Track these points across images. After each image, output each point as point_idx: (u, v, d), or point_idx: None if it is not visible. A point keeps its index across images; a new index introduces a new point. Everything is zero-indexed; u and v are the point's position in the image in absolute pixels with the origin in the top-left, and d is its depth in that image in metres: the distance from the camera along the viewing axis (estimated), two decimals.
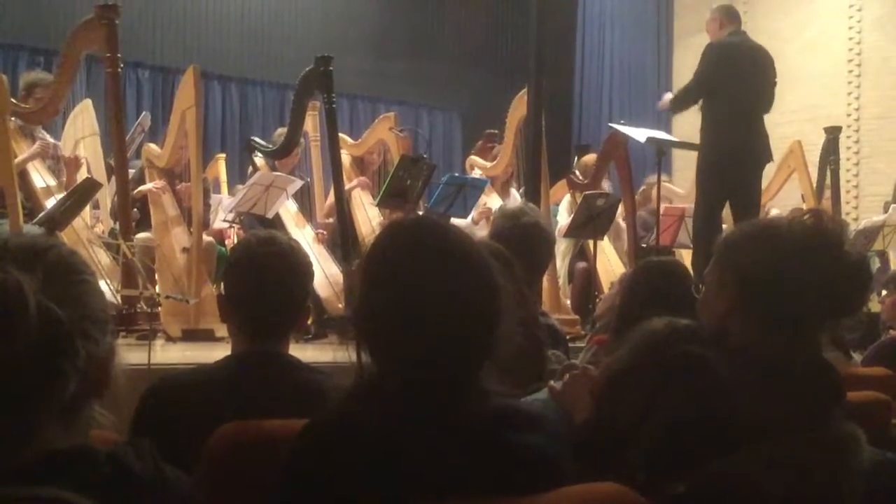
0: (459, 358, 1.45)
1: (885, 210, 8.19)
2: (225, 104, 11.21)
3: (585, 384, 1.99)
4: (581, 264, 7.24)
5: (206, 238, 6.14)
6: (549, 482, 1.41)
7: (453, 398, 1.43)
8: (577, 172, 7.44)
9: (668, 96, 6.92)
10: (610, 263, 7.35)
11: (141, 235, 5.87)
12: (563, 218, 7.25)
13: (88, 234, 5.83)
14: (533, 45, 6.47)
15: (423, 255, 1.47)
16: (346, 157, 6.68)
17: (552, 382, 2.10)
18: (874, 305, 5.63)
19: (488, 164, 7.42)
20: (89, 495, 1.03)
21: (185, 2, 10.69)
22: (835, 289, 1.73)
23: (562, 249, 7.14)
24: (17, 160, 5.50)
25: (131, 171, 6.09)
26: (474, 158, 7.75)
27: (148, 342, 4.09)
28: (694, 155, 6.78)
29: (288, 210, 6.46)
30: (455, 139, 12.63)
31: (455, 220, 6.20)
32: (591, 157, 7.47)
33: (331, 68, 5.78)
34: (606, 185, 7.58)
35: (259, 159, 6.60)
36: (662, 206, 7.02)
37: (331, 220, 6.47)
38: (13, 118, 5.56)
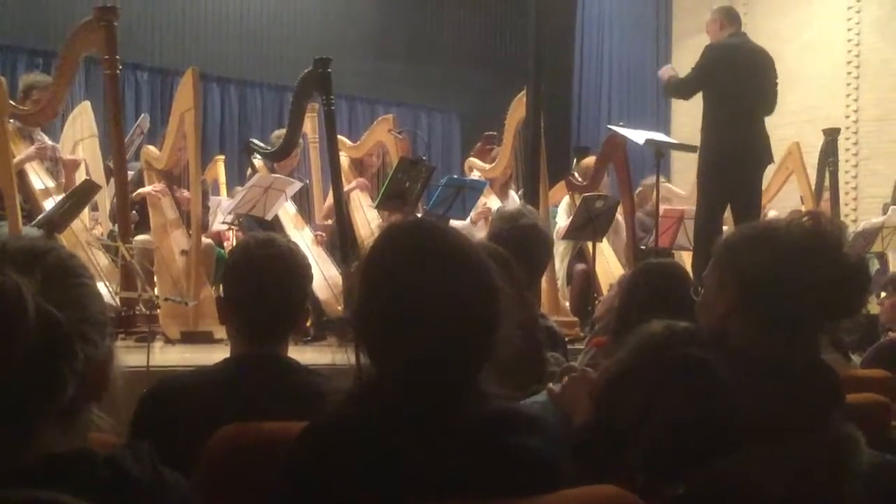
0: (458, 360, 1.45)
1: (884, 212, 8.18)
2: (224, 106, 11.22)
3: (584, 386, 1.99)
4: (580, 266, 7.23)
5: (205, 240, 6.14)
6: (548, 484, 1.41)
7: (452, 400, 1.43)
8: (577, 174, 7.44)
9: (670, 70, 6.87)
10: (609, 265, 7.35)
11: (140, 237, 5.87)
12: (562, 220, 7.25)
13: (87, 236, 5.82)
14: (532, 47, 6.48)
15: (422, 257, 1.47)
16: (344, 159, 6.68)
17: (551, 385, 2.10)
18: (873, 307, 5.62)
19: (487, 166, 7.42)
20: (88, 498, 1.03)
21: (183, 3, 10.70)
22: (834, 291, 1.73)
23: (560, 251, 7.14)
24: (13, 161, 5.49)
25: (130, 173, 6.09)
26: (473, 160, 7.75)
27: (147, 344, 4.09)
28: (693, 157, 6.78)
29: (287, 212, 6.46)
30: (454, 141, 12.64)
31: (453, 222, 6.21)
32: (590, 160, 7.47)
33: (329, 70, 5.77)
34: (607, 182, 7.58)
35: (258, 161, 6.60)
36: (661, 207, 7.01)
37: (330, 221, 6.47)
38: (12, 120, 5.56)
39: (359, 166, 6.96)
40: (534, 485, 1.40)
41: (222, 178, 8.98)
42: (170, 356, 4.94)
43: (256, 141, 6.68)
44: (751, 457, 1.62)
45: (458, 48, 12.30)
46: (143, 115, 8.20)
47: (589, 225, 6.55)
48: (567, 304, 6.92)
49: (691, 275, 5.08)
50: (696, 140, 6.62)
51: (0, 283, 1.02)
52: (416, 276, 1.45)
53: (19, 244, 1.17)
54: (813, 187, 8.46)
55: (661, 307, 2.11)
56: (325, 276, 6.05)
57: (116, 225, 5.65)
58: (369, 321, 1.48)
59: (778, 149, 6.82)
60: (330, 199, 6.25)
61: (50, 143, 6.04)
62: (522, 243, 3.06)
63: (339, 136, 6.46)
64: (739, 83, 6.23)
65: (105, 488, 1.06)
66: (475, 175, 7.44)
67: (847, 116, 10.89)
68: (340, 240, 5.96)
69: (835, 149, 8.64)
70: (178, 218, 6.10)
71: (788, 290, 1.73)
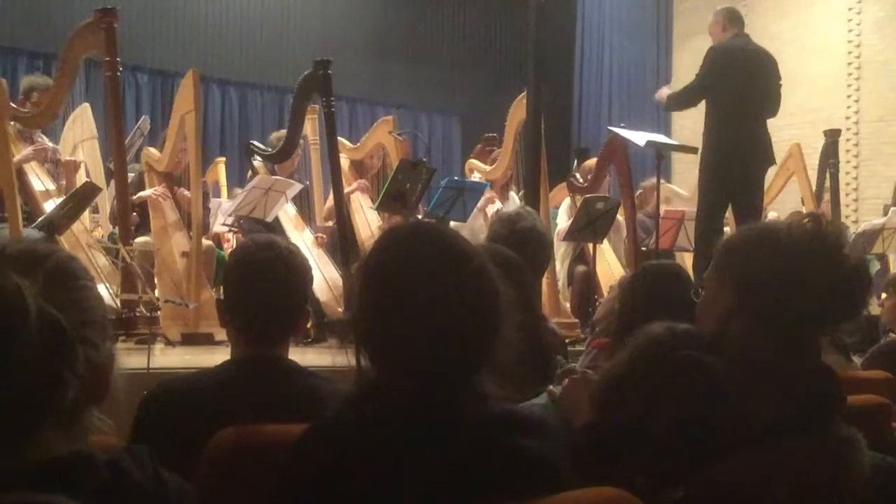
0: (458, 362, 1.44)
1: (885, 213, 8.18)
2: (224, 108, 11.23)
3: (585, 388, 1.99)
4: (581, 268, 7.23)
5: (206, 242, 6.14)
6: (548, 486, 1.41)
7: (452, 402, 1.43)
8: (578, 176, 7.45)
9: (666, 90, 6.91)
10: (610, 267, 7.35)
11: (140, 239, 5.87)
12: (563, 221, 7.25)
13: (88, 238, 5.83)
14: (532, 49, 6.48)
15: (421, 259, 1.47)
16: (345, 161, 6.68)
17: (552, 387, 2.11)
18: (874, 308, 5.63)
19: (487, 168, 7.43)
20: (88, 502, 1.03)
21: (184, 5, 10.71)
22: (834, 292, 1.73)
23: (561, 253, 7.14)
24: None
25: (130, 175, 6.09)
26: (473, 162, 7.76)
27: (147, 346, 4.09)
28: (694, 158, 6.78)
29: (287, 214, 6.46)
30: (454, 143, 12.65)
31: (453, 223, 6.21)
32: (592, 161, 7.47)
33: (330, 72, 5.77)
34: (608, 183, 7.58)
35: (258, 163, 6.60)
36: (662, 208, 7.01)
37: (330, 223, 6.47)
38: (12, 122, 5.56)
39: (359, 168, 6.97)
40: (534, 487, 1.40)
41: (223, 180, 8.98)
42: (170, 358, 4.94)
43: (257, 143, 6.68)
44: (751, 459, 1.62)
45: (459, 50, 12.31)
46: (143, 117, 8.21)
47: (589, 226, 6.55)
48: (568, 305, 6.92)
49: (692, 276, 5.09)
50: (696, 141, 6.62)
51: (1, 285, 1.02)
52: (416, 279, 1.45)
53: (20, 247, 1.17)
54: (813, 188, 8.46)
55: (662, 309, 2.11)
56: (325, 278, 6.05)
57: (117, 227, 5.64)
58: (369, 323, 1.48)
59: (779, 150, 6.82)
60: (330, 201, 6.25)
61: (50, 144, 6.04)
62: (522, 245, 3.05)
63: (340, 138, 6.46)
64: (742, 84, 6.23)
65: (105, 491, 1.06)
66: (476, 177, 7.44)
67: (848, 118, 10.89)
68: (341, 241, 5.96)
69: (835, 150, 8.64)
70: (178, 220, 6.10)
71: (789, 292, 1.73)
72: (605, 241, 7.17)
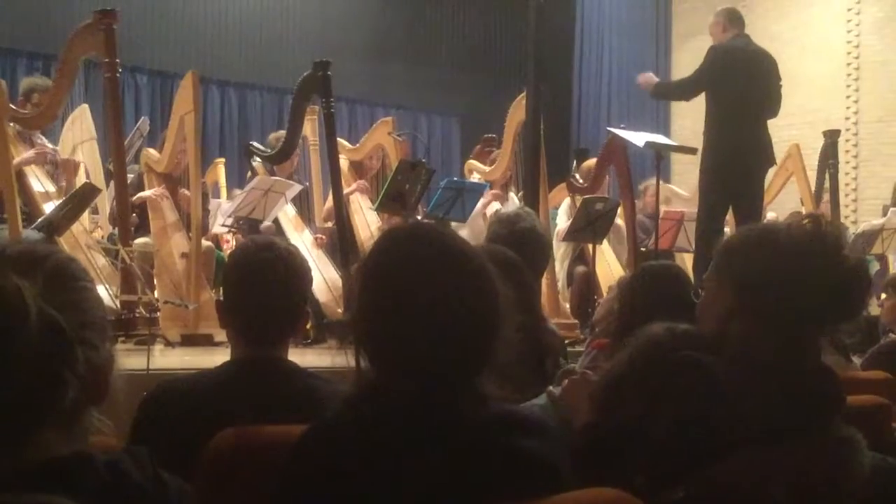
0: (457, 363, 1.44)
1: (884, 213, 8.18)
2: (224, 109, 11.23)
3: (584, 389, 1.99)
4: (580, 268, 7.23)
5: (205, 243, 6.14)
6: (548, 487, 1.41)
7: (451, 403, 1.43)
8: (578, 176, 7.45)
9: (652, 76, 6.91)
10: (609, 267, 7.35)
11: (140, 240, 5.87)
12: (563, 221, 7.25)
13: (87, 239, 5.83)
14: (531, 49, 6.48)
15: (420, 260, 1.47)
16: (344, 162, 6.68)
17: (551, 387, 2.11)
18: (874, 309, 5.63)
19: (487, 168, 7.43)
20: (88, 502, 1.03)
21: (183, 6, 10.71)
22: (834, 293, 1.73)
23: (561, 253, 7.14)
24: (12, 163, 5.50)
25: (130, 176, 6.09)
26: (473, 162, 7.76)
27: (147, 347, 4.10)
28: (693, 159, 6.79)
29: (286, 214, 6.46)
30: (454, 143, 12.65)
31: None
32: (591, 162, 7.47)
33: (329, 73, 5.77)
34: (607, 184, 7.59)
35: (257, 164, 6.60)
36: (661, 209, 7.01)
37: (330, 224, 6.47)
38: (11, 123, 5.56)
39: (358, 169, 6.97)
40: (534, 487, 1.40)
41: (222, 181, 8.99)
42: (170, 359, 4.95)
43: (256, 144, 6.68)
44: (751, 460, 1.62)
45: (458, 51, 12.31)
46: (142, 118, 8.21)
47: (589, 227, 6.55)
48: (567, 306, 6.92)
49: (692, 277, 5.09)
50: (696, 142, 6.62)
51: (1, 286, 1.02)
52: (415, 279, 1.45)
53: (20, 248, 1.17)
54: (813, 189, 8.46)
55: (662, 309, 2.11)
56: (325, 279, 6.05)
57: (116, 228, 5.64)
58: (368, 324, 1.48)
59: (778, 151, 6.82)
60: (330, 202, 6.26)
61: (50, 146, 6.04)
62: (521, 246, 3.05)
63: (339, 139, 6.46)
64: (743, 85, 6.24)
65: (105, 492, 1.06)
66: (475, 177, 7.45)
67: (847, 118, 10.90)
68: (340, 242, 5.96)
69: (835, 151, 8.64)
70: (178, 221, 6.10)
71: (789, 292, 1.73)
72: (605, 242, 7.17)
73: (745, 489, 1.61)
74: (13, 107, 5.57)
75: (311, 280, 2.35)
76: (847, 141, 10.50)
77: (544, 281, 6.08)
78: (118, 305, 5.10)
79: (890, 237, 7.56)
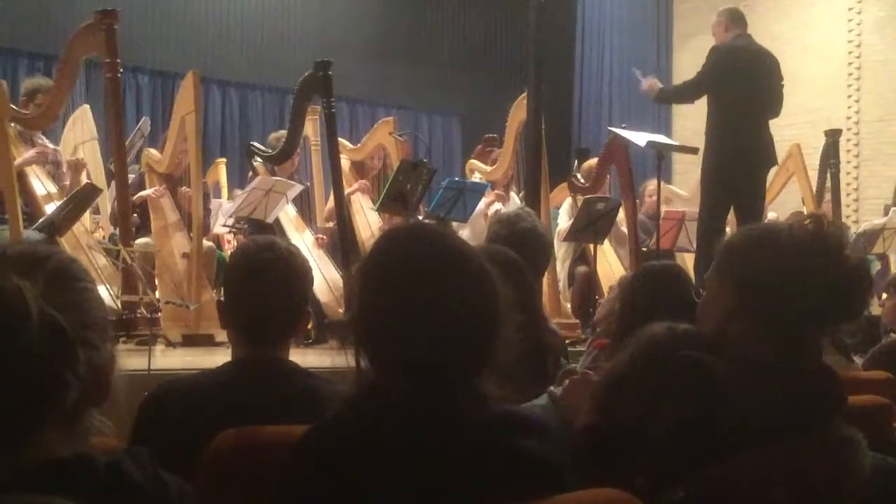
0: (457, 363, 1.44)
1: (886, 213, 8.18)
2: (225, 109, 11.23)
3: (585, 389, 1.99)
4: (581, 268, 7.23)
5: (207, 243, 6.14)
6: (549, 487, 1.41)
7: (452, 403, 1.43)
8: (579, 176, 7.45)
9: (655, 81, 6.90)
10: (610, 267, 7.34)
11: (141, 241, 5.87)
12: (564, 221, 7.25)
13: (88, 239, 5.83)
14: (532, 49, 6.48)
15: (420, 260, 1.47)
16: (345, 162, 6.68)
17: (552, 387, 2.10)
18: (875, 309, 5.62)
19: (488, 168, 7.43)
20: (89, 503, 1.03)
21: (184, 6, 10.71)
22: (835, 293, 1.73)
23: (562, 253, 7.14)
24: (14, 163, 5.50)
25: (131, 177, 6.09)
26: (474, 162, 7.76)
27: (148, 347, 4.09)
28: (694, 159, 6.78)
29: (288, 215, 6.46)
30: (455, 143, 12.65)
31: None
32: (592, 162, 7.47)
33: (330, 73, 5.77)
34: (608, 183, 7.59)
35: (258, 164, 6.60)
36: (662, 209, 7.01)
37: (331, 224, 6.47)
38: (12, 123, 5.56)
39: (360, 169, 6.97)
40: (535, 488, 1.40)
41: (223, 181, 8.99)
42: (171, 359, 4.94)
43: (257, 144, 6.69)
44: (751, 460, 1.62)
45: (459, 51, 12.32)
46: (143, 118, 8.22)
47: (590, 227, 6.54)
48: (568, 306, 6.92)
49: (693, 277, 5.09)
50: (697, 142, 6.62)
51: (2, 287, 1.02)
52: (415, 280, 1.45)
53: (21, 248, 1.17)
54: (814, 189, 8.46)
55: (662, 309, 2.11)
56: (326, 279, 6.05)
57: (117, 228, 5.65)
58: (369, 324, 1.48)
59: (779, 150, 6.82)
60: (331, 202, 6.26)
61: (51, 146, 6.04)
62: (522, 246, 3.05)
63: (340, 139, 6.46)
64: (745, 85, 6.23)
65: (106, 493, 1.06)
66: (476, 177, 7.44)
67: (848, 118, 10.89)
68: (341, 242, 5.96)
69: (836, 150, 8.64)
70: (179, 221, 6.10)
71: (790, 292, 1.73)
72: (606, 242, 7.17)
73: (746, 489, 1.61)
74: (14, 107, 5.57)
75: (312, 280, 2.34)
76: (848, 140, 10.50)
77: (545, 281, 6.09)
78: (119, 306, 5.10)
79: (891, 237, 7.56)
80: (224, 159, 9.38)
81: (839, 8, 11.11)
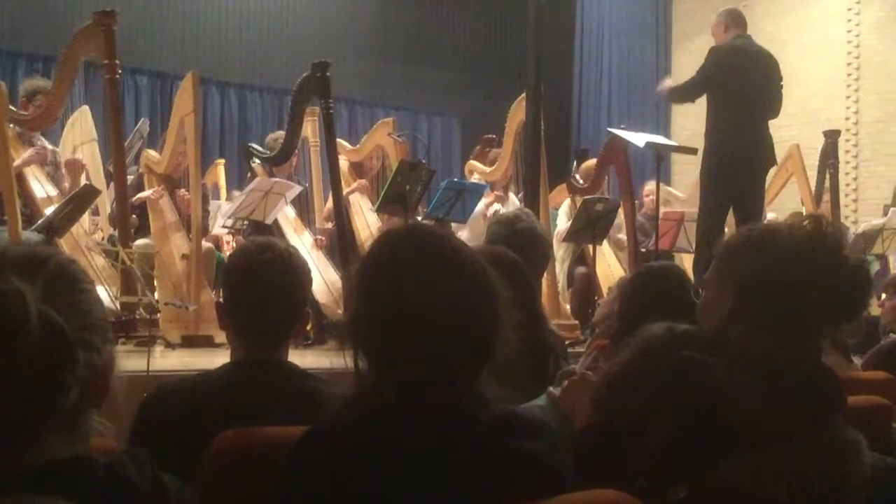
0: (456, 364, 1.44)
1: (885, 213, 8.18)
2: (223, 110, 11.23)
3: (585, 390, 1.99)
4: (581, 269, 7.23)
5: (206, 244, 6.14)
6: (549, 488, 1.41)
7: (451, 404, 1.43)
8: (578, 177, 7.45)
9: (669, 81, 6.92)
10: (610, 268, 7.35)
11: (140, 242, 5.87)
12: (563, 222, 7.25)
13: (87, 240, 5.83)
14: (531, 50, 6.47)
15: (418, 261, 1.47)
16: (344, 163, 6.68)
17: (551, 388, 2.10)
18: (874, 309, 5.62)
19: (487, 169, 7.43)
20: None
21: (183, 8, 10.71)
22: (835, 294, 1.73)
23: (561, 254, 7.14)
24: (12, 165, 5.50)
25: (130, 178, 6.08)
26: (473, 163, 7.76)
27: (147, 349, 4.10)
28: (693, 160, 6.78)
29: (286, 216, 6.46)
30: (454, 144, 12.65)
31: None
32: (591, 163, 7.49)
33: (329, 74, 5.77)
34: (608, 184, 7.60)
35: (257, 165, 6.60)
36: (661, 209, 7.02)
37: (330, 225, 6.47)
38: (11, 125, 5.56)
39: (358, 170, 6.97)
40: (534, 489, 1.39)
41: (222, 182, 8.99)
42: (170, 361, 4.94)
43: (255, 145, 6.69)
44: (752, 460, 1.62)
45: (458, 52, 12.32)
46: (142, 119, 8.22)
47: (589, 227, 6.55)
48: (568, 307, 6.92)
49: (692, 277, 5.09)
50: (696, 142, 6.62)
51: (2, 289, 1.02)
52: (413, 281, 1.45)
53: (20, 250, 1.17)
54: (813, 189, 8.46)
55: (661, 310, 2.11)
56: (325, 280, 6.05)
57: (116, 229, 5.64)
58: (367, 325, 1.48)
59: (778, 151, 6.82)
60: (330, 203, 6.26)
61: (50, 147, 6.04)
62: (521, 246, 3.05)
63: (339, 140, 6.46)
64: (744, 85, 6.23)
65: (105, 494, 1.06)
66: (475, 178, 7.44)
67: (847, 118, 10.90)
68: (340, 243, 5.96)
69: (835, 150, 8.64)
70: (178, 222, 6.10)
71: (789, 293, 1.73)
72: (605, 243, 7.17)
73: (746, 489, 1.61)
74: (13, 108, 5.57)
75: (310, 281, 2.34)
76: (847, 141, 10.50)
77: (544, 282, 6.09)
78: (118, 307, 5.10)
79: (890, 237, 7.56)
80: (223, 160, 9.39)
81: (838, 8, 11.12)
